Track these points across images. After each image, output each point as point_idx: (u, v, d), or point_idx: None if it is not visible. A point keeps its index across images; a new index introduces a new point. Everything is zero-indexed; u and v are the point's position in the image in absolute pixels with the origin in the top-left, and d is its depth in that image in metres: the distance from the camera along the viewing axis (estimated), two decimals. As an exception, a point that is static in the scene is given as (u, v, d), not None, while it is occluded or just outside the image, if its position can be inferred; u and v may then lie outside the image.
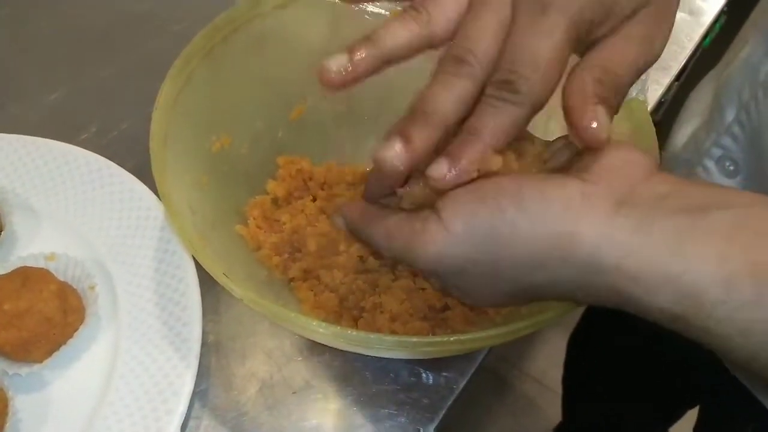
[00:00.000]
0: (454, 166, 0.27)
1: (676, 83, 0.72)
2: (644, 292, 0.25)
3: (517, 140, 0.30)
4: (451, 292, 0.31)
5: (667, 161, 0.57)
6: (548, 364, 1.23)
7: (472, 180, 0.28)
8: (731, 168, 0.50)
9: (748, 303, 0.23)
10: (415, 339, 0.31)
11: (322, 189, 0.46)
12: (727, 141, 0.49)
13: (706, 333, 0.24)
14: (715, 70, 0.57)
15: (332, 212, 0.33)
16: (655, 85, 0.58)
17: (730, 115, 0.49)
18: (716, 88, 0.52)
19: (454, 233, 0.27)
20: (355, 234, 0.33)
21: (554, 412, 1.09)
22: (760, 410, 0.49)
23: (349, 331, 0.31)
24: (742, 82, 0.48)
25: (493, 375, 1.23)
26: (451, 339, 0.30)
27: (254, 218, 0.44)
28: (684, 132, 0.56)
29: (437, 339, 0.31)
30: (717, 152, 0.50)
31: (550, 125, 0.42)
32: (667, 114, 1.17)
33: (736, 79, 0.49)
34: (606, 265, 0.25)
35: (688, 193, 0.26)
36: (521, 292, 0.28)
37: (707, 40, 0.72)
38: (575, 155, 0.29)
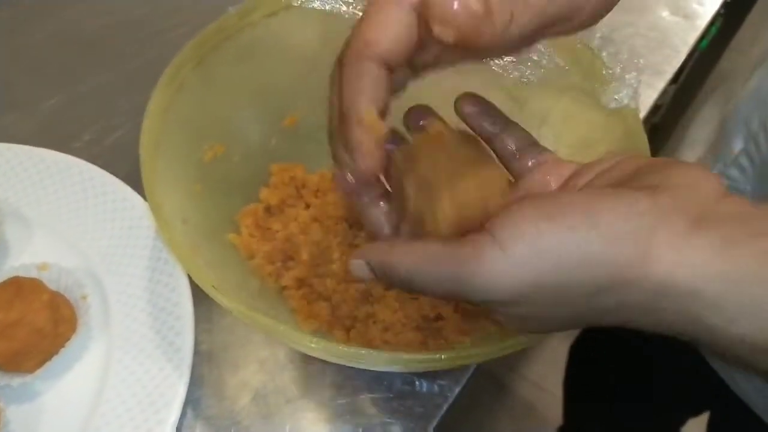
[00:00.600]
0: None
1: (673, 86, 0.72)
2: (725, 319, 0.23)
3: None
4: (509, 323, 0.28)
5: None
6: (547, 368, 1.23)
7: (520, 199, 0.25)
8: None
9: None
10: (406, 356, 0.30)
11: (316, 197, 0.46)
12: (734, 172, 0.49)
13: None
14: (720, 94, 0.56)
15: (350, 260, 0.29)
16: (649, 90, 0.58)
17: (737, 146, 0.48)
18: (722, 116, 0.52)
19: (515, 257, 0.24)
20: (387, 279, 0.28)
21: (553, 416, 1.09)
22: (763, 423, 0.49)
23: (341, 347, 0.30)
24: (750, 113, 0.48)
25: (492, 378, 1.23)
26: (443, 357, 0.30)
27: (247, 227, 0.44)
28: (690, 159, 0.55)
29: (428, 356, 0.31)
30: (723, 182, 0.50)
31: (542, 130, 0.42)
32: (665, 118, 1.17)
33: (744, 110, 0.48)
34: (682, 289, 0.23)
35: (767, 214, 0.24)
36: (581, 317, 0.26)
37: (704, 43, 0.72)
38: (639, 172, 0.27)
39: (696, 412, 0.79)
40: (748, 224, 0.23)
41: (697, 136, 0.56)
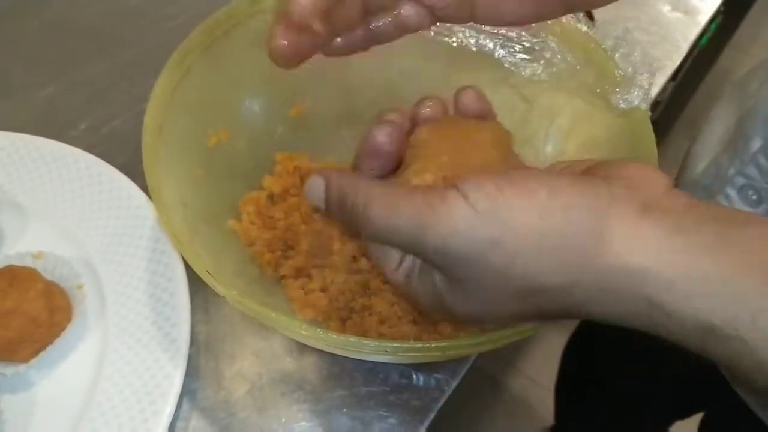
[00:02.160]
0: None
1: (672, 83, 0.72)
2: (681, 298, 0.23)
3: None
4: (445, 299, 0.27)
5: (685, 187, 0.56)
6: (542, 362, 1.23)
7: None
8: (754, 197, 0.49)
9: None
10: (395, 344, 0.30)
11: (319, 187, 0.46)
12: (752, 170, 0.49)
13: (743, 344, 0.23)
14: (735, 93, 0.56)
15: (309, 178, 0.28)
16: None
17: (755, 145, 0.48)
18: (740, 115, 0.52)
19: (477, 207, 0.24)
20: (340, 210, 0.27)
21: (548, 411, 1.09)
22: (760, 423, 0.49)
23: (331, 335, 0.30)
24: None
25: (487, 373, 1.23)
26: (432, 345, 0.30)
27: (248, 214, 0.44)
28: (704, 157, 0.55)
29: (417, 345, 0.30)
30: (740, 181, 0.50)
31: (551, 129, 0.42)
32: (664, 114, 1.17)
33: (763, 109, 0.48)
34: (634, 268, 0.23)
35: (714, 207, 0.25)
36: (530, 299, 0.25)
37: (704, 39, 0.71)
38: (595, 167, 0.28)
39: (688, 413, 0.80)
40: (694, 213, 0.24)
41: (711, 135, 0.56)
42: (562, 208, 0.24)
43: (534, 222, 0.24)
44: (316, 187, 0.28)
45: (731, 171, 0.50)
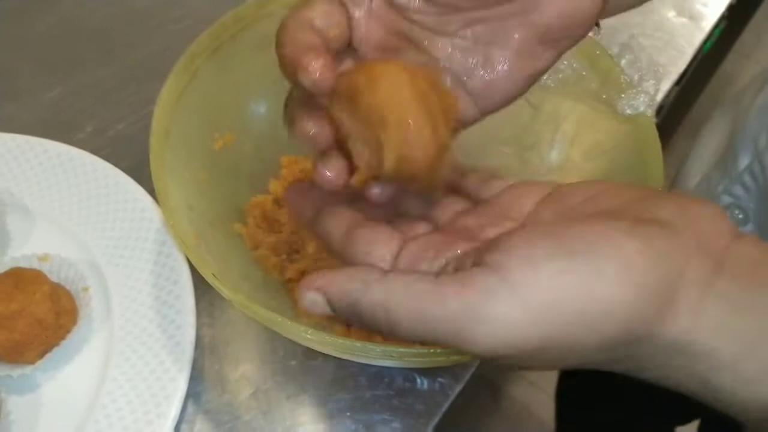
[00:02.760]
0: None
1: (676, 88, 0.72)
2: (741, 382, 0.21)
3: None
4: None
5: None
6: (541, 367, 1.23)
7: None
8: (740, 216, 0.49)
9: None
10: (401, 349, 0.30)
11: (325, 191, 0.46)
12: (738, 190, 0.49)
13: None
14: (730, 106, 0.56)
15: (300, 290, 0.24)
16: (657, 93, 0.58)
17: (743, 163, 0.48)
18: (732, 129, 0.52)
19: (526, 301, 0.20)
20: (354, 318, 0.23)
21: (549, 416, 1.09)
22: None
23: (335, 339, 0.30)
24: (758, 129, 0.47)
25: (488, 378, 1.23)
26: (437, 350, 0.30)
27: (254, 217, 0.44)
28: (697, 169, 0.55)
29: (422, 350, 0.30)
30: (727, 199, 0.49)
31: (557, 135, 0.42)
32: (667, 118, 1.17)
33: (753, 126, 0.48)
34: (700, 348, 0.21)
35: None
36: (589, 363, 0.23)
37: (707, 45, 0.72)
38: (644, 202, 0.24)
39: (690, 418, 0.79)
40: (763, 272, 0.21)
41: (705, 149, 0.56)
42: (632, 287, 0.20)
43: (596, 308, 0.20)
44: (315, 303, 0.24)
45: (720, 188, 0.50)
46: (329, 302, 0.24)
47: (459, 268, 0.23)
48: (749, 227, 0.49)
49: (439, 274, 0.23)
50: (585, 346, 0.21)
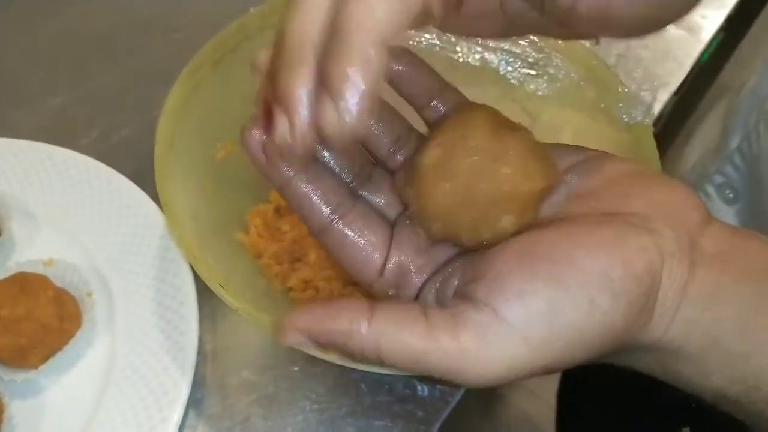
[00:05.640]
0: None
1: (674, 98, 0.72)
2: (699, 372, 0.23)
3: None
4: None
5: None
6: (542, 376, 1.23)
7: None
8: (731, 195, 0.50)
9: None
10: None
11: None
12: (728, 169, 0.49)
13: (759, 417, 0.23)
14: (723, 103, 0.57)
15: (280, 328, 0.23)
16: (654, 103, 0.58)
17: (733, 144, 0.49)
18: (725, 113, 0.53)
19: (535, 345, 0.21)
20: (333, 348, 0.23)
21: (547, 424, 1.09)
22: None
23: None
24: (749, 111, 0.48)
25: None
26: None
27: (256, 226, 0.44)
28: (694, 154, 0.56)
29: None
30: (718, 179, 0.50)
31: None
32: (665, 129, 1.17)
33: (744, 108, 0.49)
34: (670, 348, 0.22)
35: (750, 250, 0.23)
36: (576, 363, 0.24)
37: (705, 56, 0.72)
38: (615, 187, 0.25)
39: (689, 424, 0.79)
40: (732, 264, 0.23)
41: (707, 132, 0.57)
42: (619, 304, 0.21)
43: (594, 333, 0.21)
44: (300, 343, 0.23)
45: (711, 168, 0.51)
46: (314, 341, 0.23)
47: (440, 297, 0.24)
48: (737, 206, 0.50)
49: (425, 306, 0.22)
50: (583, 357, 0.22)
